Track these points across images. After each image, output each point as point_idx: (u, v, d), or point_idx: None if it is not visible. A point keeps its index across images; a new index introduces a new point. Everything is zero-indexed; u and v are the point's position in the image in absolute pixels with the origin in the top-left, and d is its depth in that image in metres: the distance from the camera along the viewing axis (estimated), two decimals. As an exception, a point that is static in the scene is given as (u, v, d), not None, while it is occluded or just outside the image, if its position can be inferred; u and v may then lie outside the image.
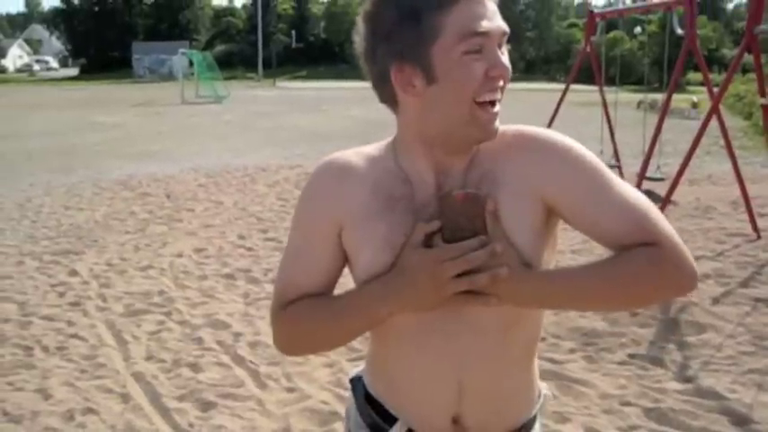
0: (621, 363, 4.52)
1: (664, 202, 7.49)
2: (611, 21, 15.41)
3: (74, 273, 6.46)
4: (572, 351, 4.67)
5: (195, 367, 4.46)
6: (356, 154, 1.43)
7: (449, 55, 1.24)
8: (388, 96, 1.34)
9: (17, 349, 4.77)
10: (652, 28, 28.57)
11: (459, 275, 1.24)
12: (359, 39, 1.33)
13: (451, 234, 1.25)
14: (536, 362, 1.51)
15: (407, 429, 1.44)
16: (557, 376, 4.26)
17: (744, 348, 4.73)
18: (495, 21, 1.26)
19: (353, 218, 1.36)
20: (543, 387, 1.56)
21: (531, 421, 1.50)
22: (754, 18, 6.70)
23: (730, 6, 75.32)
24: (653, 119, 8.52)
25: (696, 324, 5.13)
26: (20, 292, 5.91)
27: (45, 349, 4.76)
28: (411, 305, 1.29)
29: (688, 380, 4.27)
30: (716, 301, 5.64)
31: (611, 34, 33.33)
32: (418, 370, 1.40)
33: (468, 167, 1.34)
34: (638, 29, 10.64)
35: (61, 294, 5.87)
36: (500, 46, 1.27)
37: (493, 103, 1.28)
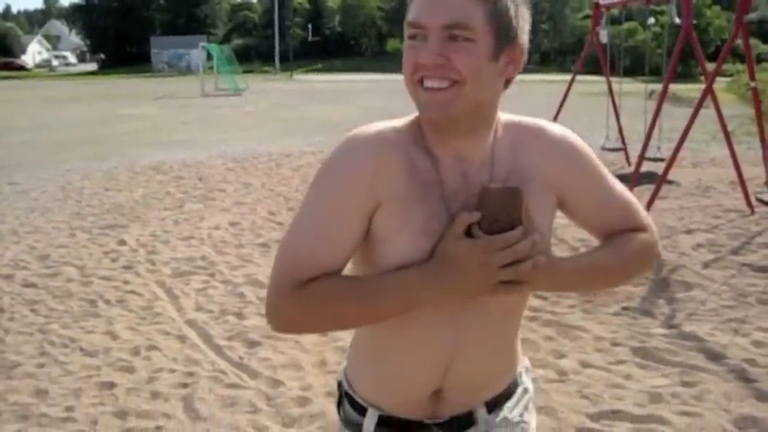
0: (615, 314, 5.09)
1: (659, 180, 7.96)
2: (626, 12, 15.73)
3: (122, 242, 7.10)
4: (571, 306, 5.23)
5: (240, 315, 5.10)
6: (388, 130, 1.37)
7: (406, 36, 1.32)
8: None
9: (83, 302, 5.43)
10: (665, 19, 28.67)
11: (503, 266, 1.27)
12: None
13: (489, 225, 1.27)
14: (519, 339, 1.60)
15: (379, 416, 1.49)
16: (557, 324, 4.86)
17: (726, 303, 5.28)
18: (432, 14, 1.25)
19: (392, 200, 1.32)
20: (526, 362, 1.67)
21: (507, 394, 1.57)
22: (743, 7, 7.20)
23: (746, -3, 74.80)
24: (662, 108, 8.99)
25: (685, 283, 5.69)
26: (77, 258, 6.57)
27: (107, 302, 5.42)
28: (456, 293, 1.29)
29: (672, 326, 4.84)
30: (706, 265, 6.19)
31: (625, 25, 33.54)
32: (412, 341, 1.42)
33: (493, 161, 1.38)
34: (651, 20, 10.85)
35: (114, 260, 6.52)
36: (451, 38, 1.26)
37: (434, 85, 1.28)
